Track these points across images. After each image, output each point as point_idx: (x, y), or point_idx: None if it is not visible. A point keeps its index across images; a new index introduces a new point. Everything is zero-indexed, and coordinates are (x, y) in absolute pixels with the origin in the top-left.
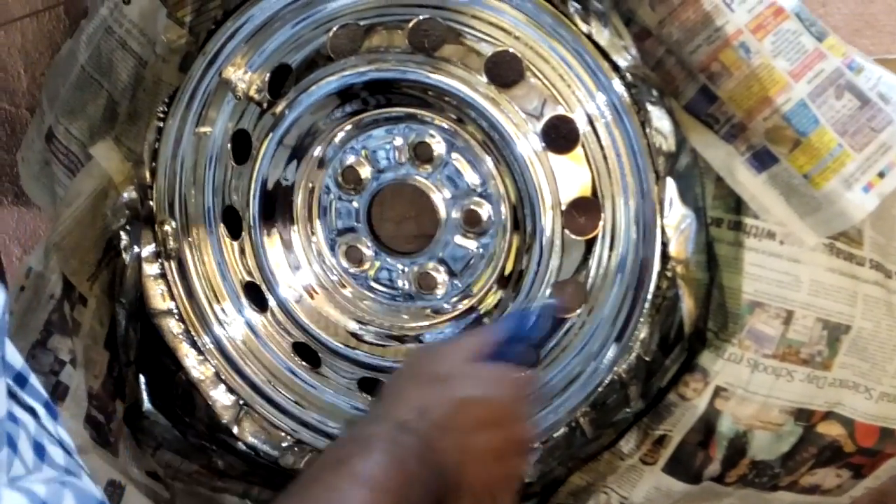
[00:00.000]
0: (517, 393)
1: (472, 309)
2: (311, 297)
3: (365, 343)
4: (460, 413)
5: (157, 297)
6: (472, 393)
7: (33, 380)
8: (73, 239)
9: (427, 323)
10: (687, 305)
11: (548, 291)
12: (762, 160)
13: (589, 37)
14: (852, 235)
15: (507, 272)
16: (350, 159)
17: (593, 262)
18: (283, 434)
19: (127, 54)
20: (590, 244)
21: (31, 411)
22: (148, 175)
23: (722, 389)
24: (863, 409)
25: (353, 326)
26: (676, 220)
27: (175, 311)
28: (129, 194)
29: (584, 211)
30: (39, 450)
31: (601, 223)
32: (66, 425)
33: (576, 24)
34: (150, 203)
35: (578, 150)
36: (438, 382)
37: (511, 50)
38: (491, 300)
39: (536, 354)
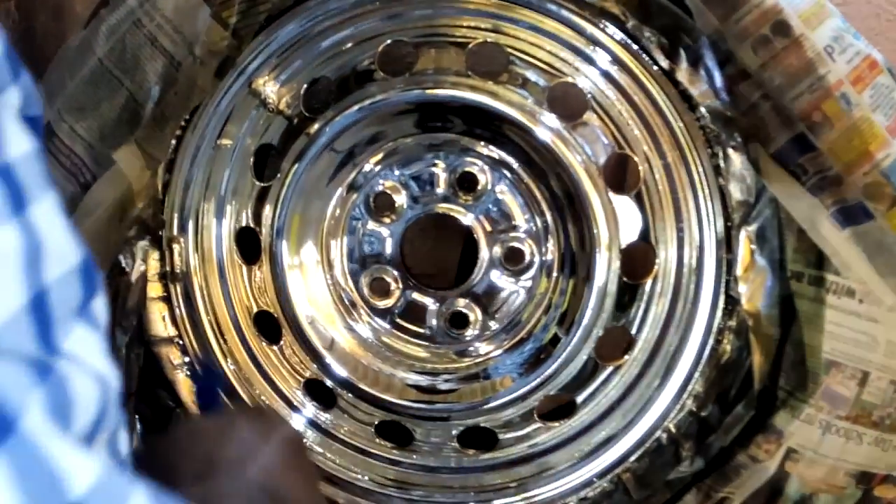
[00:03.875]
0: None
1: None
2: (329, 329)
3: (388, 382)
4: None
5: (159, 322)
6: None
7: None
8: None
9: (452, 365)
10: (757, 361)
11: (600, 333)
12: (852, 215)
13: (670, 74)
14: None
15: (554, 311)
16: (385, 184)
17: (641, 309)
18: None
19: (156, 52)
20: (639, 289)
21: None
22: (160, 187)
23: (793, 451)
24: None
25: (377, 363)
26: (750, 272)
27: (178, 339)
28: (143, 207)
29: (638, 254)
30: None
31: (655, 268)
32: None
33: (654, 59)
34: (162, 218)
35: (637, 191)
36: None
37: (572, 81)
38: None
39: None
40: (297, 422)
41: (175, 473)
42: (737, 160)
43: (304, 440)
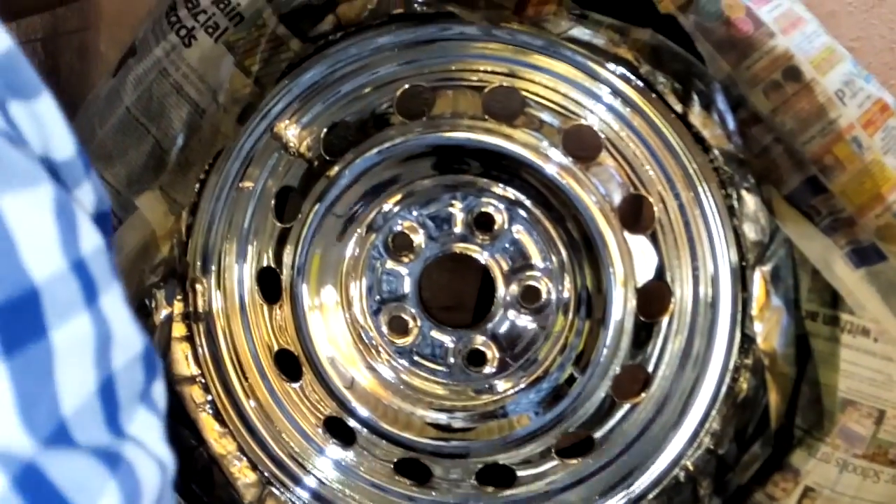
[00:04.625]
0: None
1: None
2: (349, 368)
3: (407, 420)
4: None
5: (182, 361)
6: None
7: None
8: None
9: (470, 403)
10: (773, 400)
11: (616, 371)
12: (865, 256)
13: (683, 117)
14: None
15: (570, 351)
16: (403, 224)
17: (658, 347)
18: None
19: (182, 100)
20: (655, 327)
21: None
22: (185, 229)
23: (810, 489)
24: None
25: (397, 402)
26: (766, 311)
27: (200, 377)
28: (168, 250)
29: (653, 293)
30: None
31: (671, 307)
32: None
33: (667, 103)
34: (187, 259)
35: (652, 230)
36: None
37: (586, 123)
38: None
39: None
40: (317, 459)
41: None
42: (750, 201)
43: None
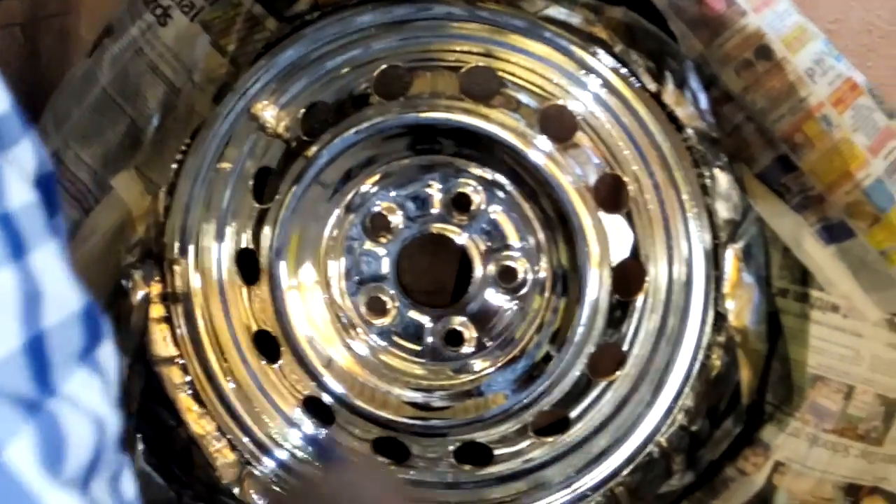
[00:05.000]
0: None
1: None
2: (327, 347)
3: (384, 399)
4: None
5: (161, 342)
6: None
7: None
8: (86, 280)
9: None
10: (745, 377)
11: (592, 349)
12: (835, 233)
13: (656, 97)
14: None
15: (546, 330)
16: (381, 205)
17: (633, 325)
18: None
19: (157, 79)
20: (630, 306)
21: None
22: (162, 210)
23: (780, 464)
24: None
25: (374, 380)
26: (737, 289)
27: (179, 358)
28: (144, 230)
29: (628, 272)
30: None
31: (646, 285)
32: None
33: (641, 82)
34: (164, 240)
35: (627, 209)
36: None
37: (563, 103)
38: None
39: None
40: (296, 438)
41: None
42: (723, 180)
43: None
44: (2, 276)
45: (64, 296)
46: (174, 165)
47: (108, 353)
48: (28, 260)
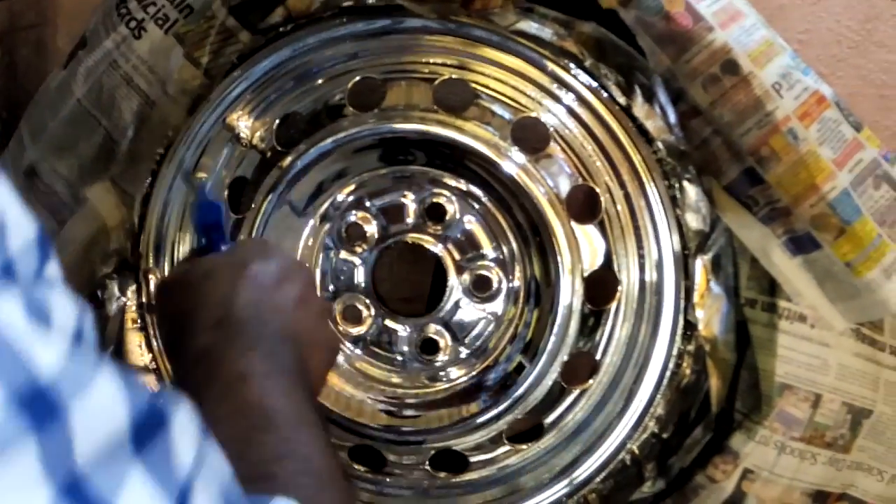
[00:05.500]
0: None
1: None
2: None
3: (360, 407)
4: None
5: (136, 351)
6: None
7: None
8: None
9: (423, 390)
10: (714, 385)
11: (565, 358)
12: (802, 245)
13: (627, 109)
14: (875, 321)
15: (520, 340)
16: (357, 215)
17: (605, 334)
18: None
19: (132, 91)
20: (602, 315)
21: None
22: (137, 220)
23: (749, 471)
24: (874, 490)
25: (349, 389)
26: (707, 298)
27: (153, 366)
28: (120, 240)
29: (601, 281)
30: None
31: (618, 294)
32: None
33: (612, 96)
34: (139, 251)
35: (599, 220)
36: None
37: (536, 115)
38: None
39: None
40: None
41: (193, 320)
42: (691, 192)
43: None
44: None
45: (22, 223)
46: (149, 176)
47: (55, 268)
48: None
